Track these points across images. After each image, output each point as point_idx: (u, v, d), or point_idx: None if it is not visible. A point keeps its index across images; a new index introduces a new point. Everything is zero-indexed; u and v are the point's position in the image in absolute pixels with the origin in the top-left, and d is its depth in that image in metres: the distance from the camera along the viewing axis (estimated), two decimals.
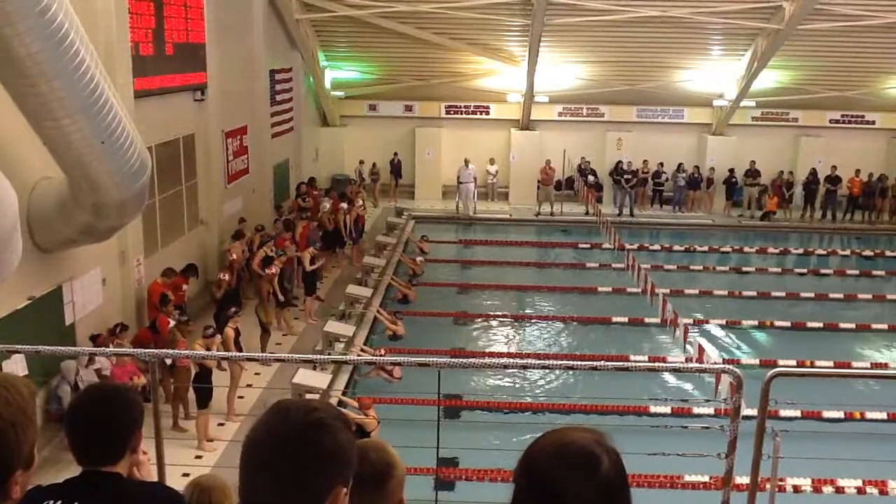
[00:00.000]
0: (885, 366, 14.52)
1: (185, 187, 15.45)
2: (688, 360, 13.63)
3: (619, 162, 25.60)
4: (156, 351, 7.40)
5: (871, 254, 22.12)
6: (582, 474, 1.58)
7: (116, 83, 10.24)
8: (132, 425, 2.40)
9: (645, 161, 25.84)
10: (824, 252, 22.50)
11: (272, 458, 1.58)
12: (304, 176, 23.06)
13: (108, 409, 2.36)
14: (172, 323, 11.74)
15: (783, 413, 10.31)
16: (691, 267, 20.33)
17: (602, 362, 5.92)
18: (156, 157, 12.40)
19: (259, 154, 19.62)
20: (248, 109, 18.91)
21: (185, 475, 5.51)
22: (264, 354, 12.35)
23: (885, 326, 16.19)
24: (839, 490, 10.07)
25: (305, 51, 23.51)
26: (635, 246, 20.78)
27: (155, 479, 4.97)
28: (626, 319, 16.10)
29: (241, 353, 11.74)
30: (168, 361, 10.70)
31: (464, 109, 26.34)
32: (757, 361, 14.01)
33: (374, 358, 10.43)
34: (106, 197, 9.72)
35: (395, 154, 26.17)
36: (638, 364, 12.42)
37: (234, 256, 14.89)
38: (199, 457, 10.04)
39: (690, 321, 15.02)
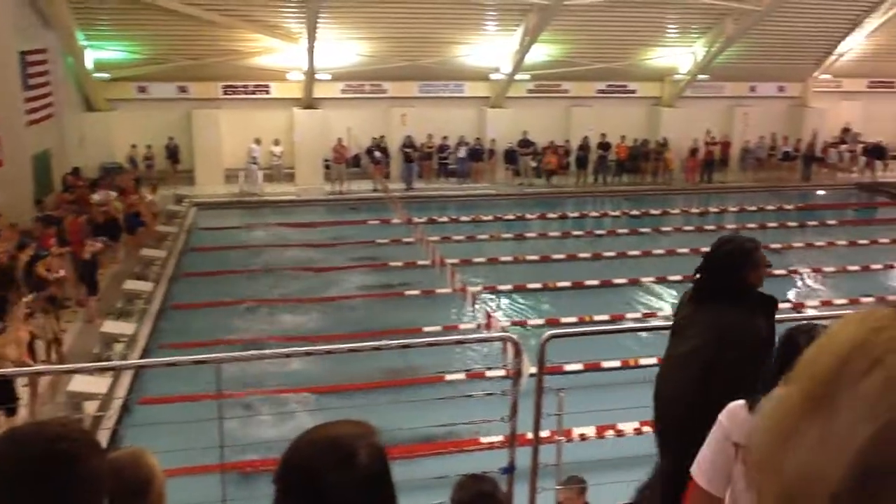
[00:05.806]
0: (655, 315, 15.74)
1: None
2: (478, 326, 14.05)
3: (409, 136, 25.87)
4: None
5: (638, 213, 23.94)
6: (339, 467, 1.58)
7: None
8: None
9: (429, 135, 26.27)
10: (598, 214, 24.06)
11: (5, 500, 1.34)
12: (70, 166, 21.32)
13: None
14: None
15: (569, 368, 10.97)
16: (478, 237, 20.96)
17: (385, 341, 5.88)
18: None
19: (13, 144, 17.87)
20: None
21: None
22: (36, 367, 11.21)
23: (652, 279, 17.53)
24: (619, 433, 10.80)
25: (61, 29, 21.58)
26: (424, 219, 21.11)
27: None
28: (418, 292, 16.33)
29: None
30: None
31: (243, 89, 25.45)
32: (542, 321, 14.69)
33: (148, 362, 9.82)
34: None
35: (171, 138, 24.84)
36: (419, 341, 12.38)
37: None
38: None
39: (479, 289, 15.45)
